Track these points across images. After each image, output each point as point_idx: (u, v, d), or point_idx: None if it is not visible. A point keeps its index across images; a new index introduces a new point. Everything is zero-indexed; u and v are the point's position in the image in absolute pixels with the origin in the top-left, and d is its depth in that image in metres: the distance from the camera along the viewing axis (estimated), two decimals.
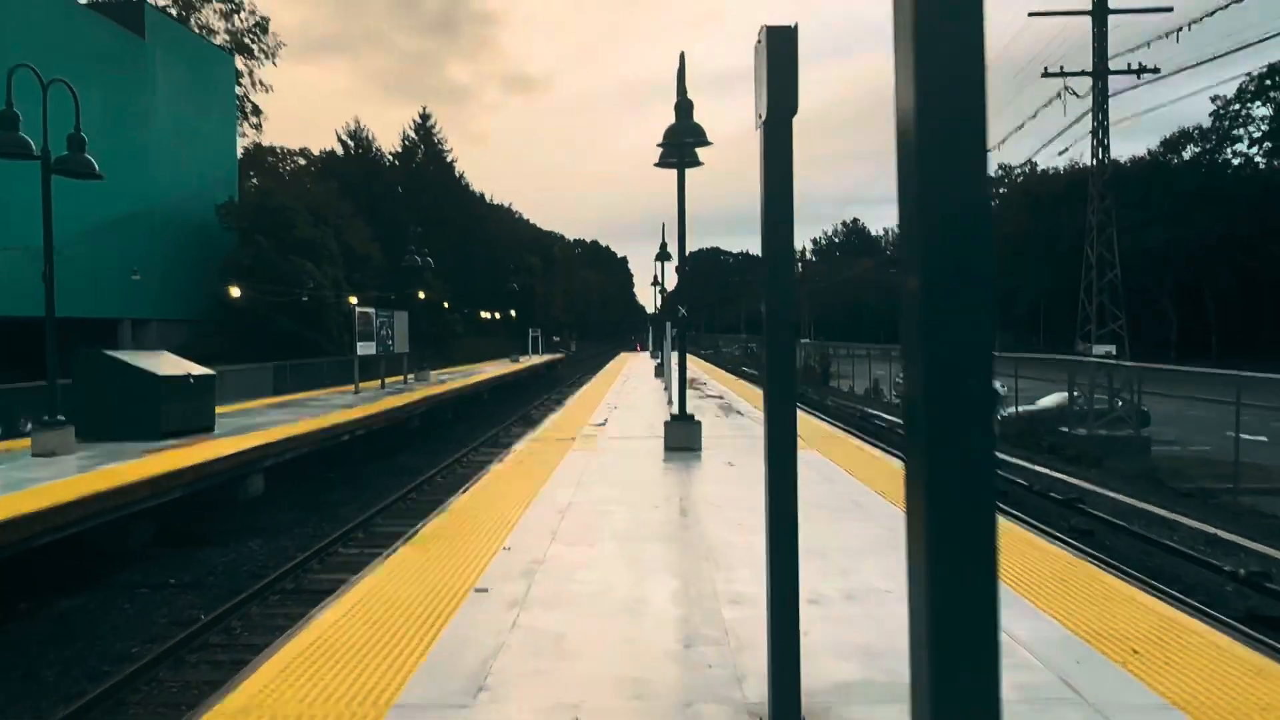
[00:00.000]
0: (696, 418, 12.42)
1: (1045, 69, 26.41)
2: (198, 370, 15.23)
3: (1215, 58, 25.80)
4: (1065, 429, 27.27)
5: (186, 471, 11.36)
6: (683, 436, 12.15)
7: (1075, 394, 27.62)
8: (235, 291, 29.22)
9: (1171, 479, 21.74)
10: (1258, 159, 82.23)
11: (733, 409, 19.58)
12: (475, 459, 22.42)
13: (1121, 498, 17.69)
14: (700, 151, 12.78)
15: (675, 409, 12.95)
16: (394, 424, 21.88)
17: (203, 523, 14.29)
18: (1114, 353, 26.05)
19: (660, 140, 11.81)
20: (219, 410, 21.06)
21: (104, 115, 37.99)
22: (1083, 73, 26.19)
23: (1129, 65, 25.88)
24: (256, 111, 66.56)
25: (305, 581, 11.96)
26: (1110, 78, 25.94)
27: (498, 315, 73.13)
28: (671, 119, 12.05)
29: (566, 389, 43.80)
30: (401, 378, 30.48)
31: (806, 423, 16.89)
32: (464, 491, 9.47)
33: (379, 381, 28.08)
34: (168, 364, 14.53)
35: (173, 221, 41.79)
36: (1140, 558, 13.06)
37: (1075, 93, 26.27)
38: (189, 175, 43.18)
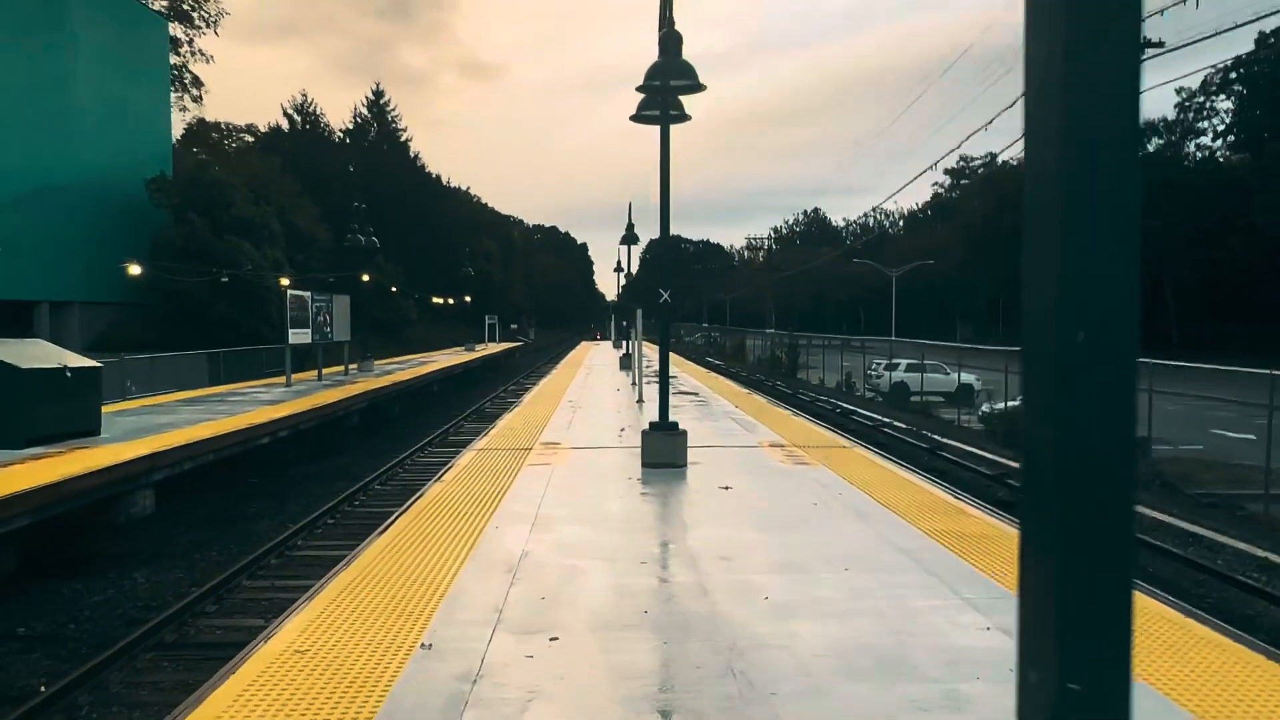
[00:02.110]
0: (680, 424, 10.19)
1: None
2: (77, 362, 12.65)
3: (1219, 32, 24.14)
4: None
5: (32, 494, 8.87)
6: (664, 450, 9.92)
7: None
8: (135, 270, 26.37)
9: (1182, 484, 20.07)
10: (1220, 152, 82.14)
11: (712, 408, 17.38)
12: (421, 460, 20.06)
13: (1143, 510, 15.84)
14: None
15: (656, 414, 10.70)
16: (327, 421, 19.39)
17: (81, 547, 11.79)
18: None
19: (642, 83, 9.52)
20: (120, 408, 18.43)
21: (17, 79, 34.73)
22: None
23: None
24: (197, 83, 62.96)
25: (192, 631, 9.55)
26: None
27: (451, 301, 70.28)
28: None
29: (525, 380, 41.37)
30: (342, 368, 27.85)
31: (792, 423, 14.78)
32: (383, 531, 7.15)
33: (316, 372, 25.47)
34: (36, 354, 11.96)
35: (97, 196, 38.56)
36: (1195, 590, 11.12)
37: None
38: (116, 146, 39.93)
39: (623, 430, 13.42)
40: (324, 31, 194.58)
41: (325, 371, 27.00)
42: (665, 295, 9.90)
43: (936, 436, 23.33)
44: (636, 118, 10.64)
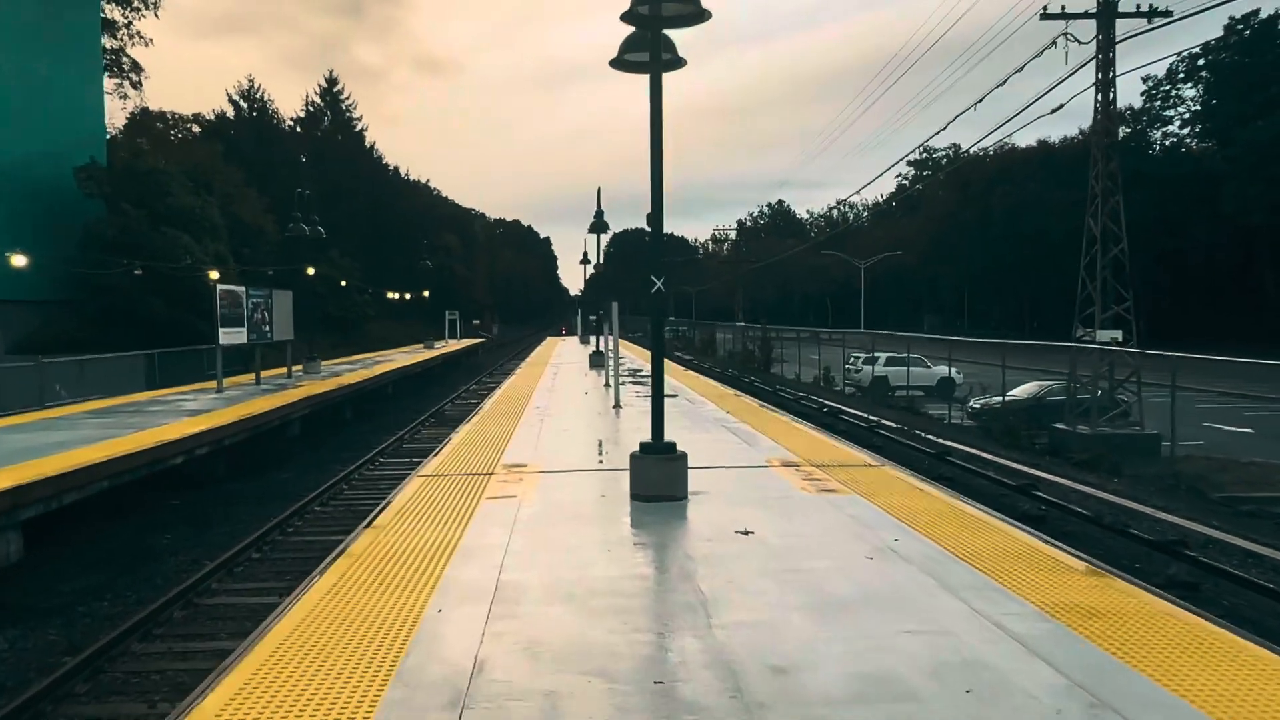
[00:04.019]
0: (678, 445, 8.11)
1: (1045, 9, 22.77)
2: None
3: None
4: (1062, 425, 23.89)
5: None
6: (659, 479, 7.85)
7: (1075, 385, 24.28)
8: (19, 260, 23.77)
9: (1203, 488, 18.47)
10: (1187, 141, 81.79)
11: (699, 412, 15.28)
12: (371, 474, 17.87)
13: (1185, 523, 14.11)
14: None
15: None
16: (261, 433, 17.08)
17: None
18: (1120, 339, 22.67)
19: (627, 10, 7.42)
20: (11, 423, 16.02)
21: None
22: (1086, 14, 22.62)
23: (1138, 6, 22.41)
24: (137, 68, 59.68)
25: None
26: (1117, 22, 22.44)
27: (408, 297, 67.59)
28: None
29: (487, 380, 39.10)
30: (285, 370, 25.42)
31: (796, 433, 12.80)
32: (277, 618, 4.99)
33: (254, 375, 23.05)
34: None
35: (20, 185, 35.50)
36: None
37: (1077, 39, 22.71)
38: (42, 132, 36.87)
39: (602, 449, 11.34)
40: (275, 27, 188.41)
41: (266, 374, 24.62)
42: (659, 283, 7.83)
43: (936, 439, 21.52)
44: (618, 63, 8.53)
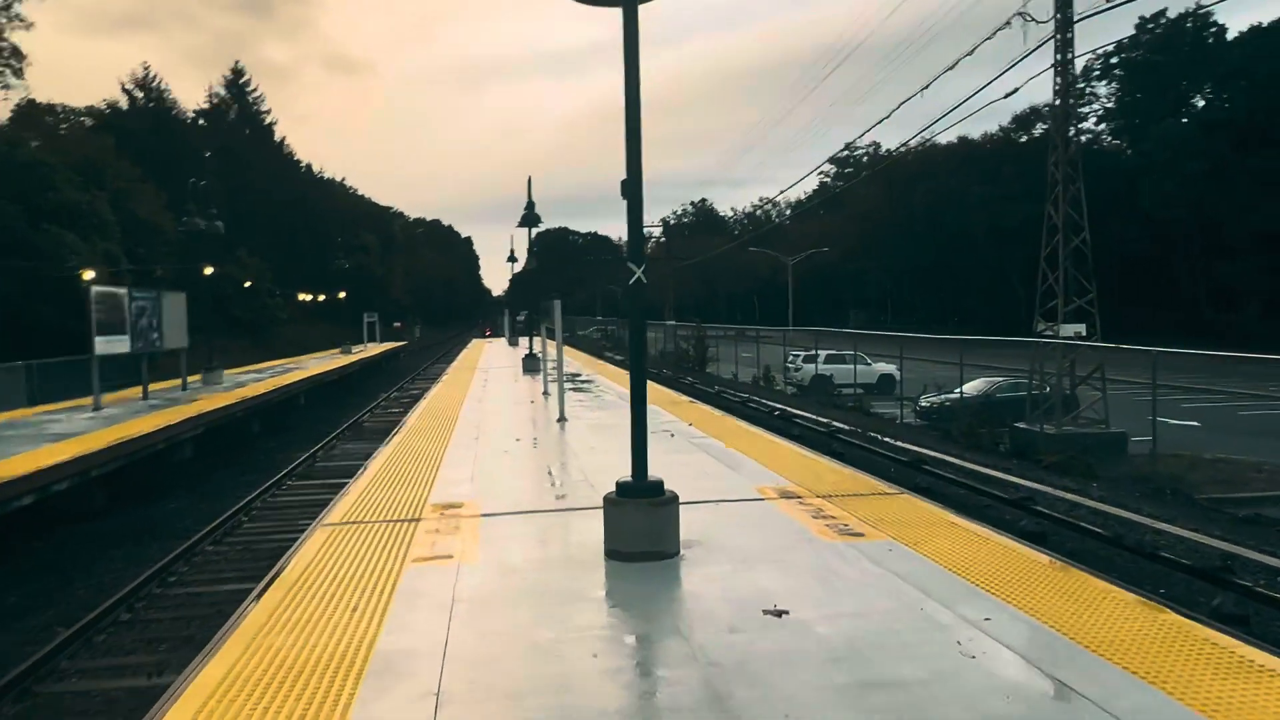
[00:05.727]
0: (650, 472, 6.20)
1: None
2: None
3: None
4: (1024, 425, 22.77)
5: None
6: (645, 530, 5.94)
7: (1035, 381, 23.20)
8: None
9: (1186, 489, 17.45)
10: (1103, 137, 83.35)
11: (661, 425, 13.36)
12: (276, 501, 15.58)
13: (1192, 535, 12.85)
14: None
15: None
16: (140, 459, 14.61)
17: None
18: (1084, 333, 21.62)
19: None
20: None
21: None
22: None
23: None
24: (18, 54, 55.10)
25: None
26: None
27: (324, 298, 64.16)
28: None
29: (410, 386, 36.61)
30: (179, 382, 22.69)
31: (781, 451, 11.03)
32: None
33: (141, 390, 20.33)
34: None
35: None
36: None
37: (1034, 19, 21.60)
38: None
39: (550, 477, 9.37)
40: (176, 24, 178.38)
41: (158, 387, 21.92)
42: (639, 272, 5.93)
43: (898, 442, 20.11)
44: None
